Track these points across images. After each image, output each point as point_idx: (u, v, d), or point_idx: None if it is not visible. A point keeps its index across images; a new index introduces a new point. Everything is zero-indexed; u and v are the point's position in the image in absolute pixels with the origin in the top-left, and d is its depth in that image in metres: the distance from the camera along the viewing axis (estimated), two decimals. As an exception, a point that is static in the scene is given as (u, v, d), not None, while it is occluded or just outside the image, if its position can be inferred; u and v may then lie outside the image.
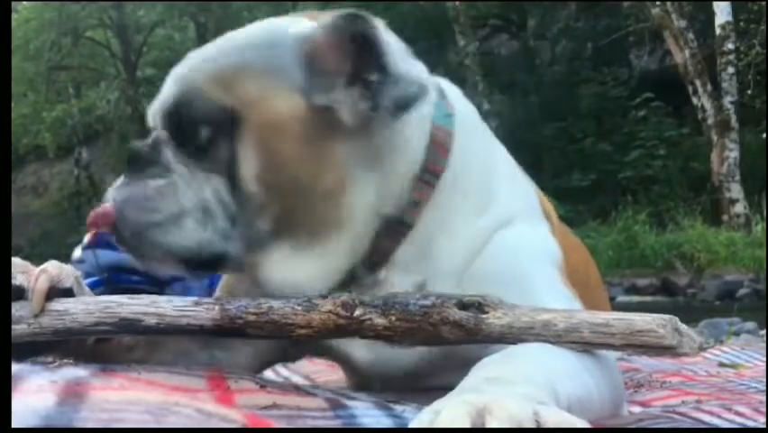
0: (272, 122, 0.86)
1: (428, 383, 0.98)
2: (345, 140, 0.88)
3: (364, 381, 1.06)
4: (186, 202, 0.87)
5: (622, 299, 7.97)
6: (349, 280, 0.93)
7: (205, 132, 0.87)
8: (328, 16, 0.90)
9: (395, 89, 0.84)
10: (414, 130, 0.93)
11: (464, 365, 0.75)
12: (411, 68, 0.86)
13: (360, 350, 0.97)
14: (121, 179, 0.91)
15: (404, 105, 0.85)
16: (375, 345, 0.91)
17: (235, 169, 0.86)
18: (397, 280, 0.94)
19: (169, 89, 0.91)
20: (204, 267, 0.91)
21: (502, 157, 1.05)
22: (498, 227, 0.97)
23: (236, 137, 0.85)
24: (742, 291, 8.13)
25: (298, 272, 0.90)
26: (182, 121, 0.88)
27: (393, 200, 0.92)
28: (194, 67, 0.91)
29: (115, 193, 0.89)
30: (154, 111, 0.93)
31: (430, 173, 0.94)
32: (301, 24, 0.91)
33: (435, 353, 0.92)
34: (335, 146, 0.88)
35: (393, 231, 0.93)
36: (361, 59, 0.85)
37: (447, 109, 0.98)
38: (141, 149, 0.91)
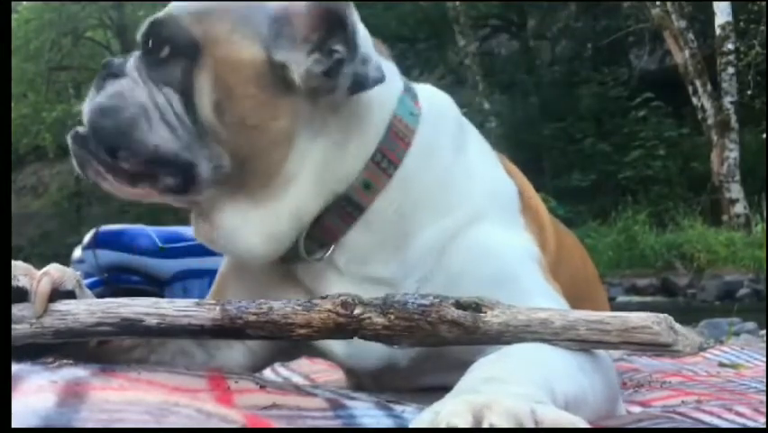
0: (233, 60, 0.93)
1: (420, 382, 0.99)
2: (296, 99, 0.93)
3: (359, 380, 1.07)
4: (142, 98, 0.94)
5: (622, 299, 7.98)
6: (295, 254, 0.96)
7: (168, 52, 0.94)
8: None
9: (356, 66, 0.90)
10: (371, 115, 0.97)
11: (454, 365, 0.75)
12: (375, 55, 0.93)
13: (335, 345, 0.99)
14: (90, 92, 0.98)
15: (360, 83, 0.91)
16: (351, 340, 0.92)
17: (190, 94, 0.93)
18: (354, 268, 0.97)
19: (157, 14, 0.99)
20: (175, 176, 0.94)
21: (475, 157, 1.06)
22: (464, 226, 0.98)
23: (195, 65, 0.93)
24: (742, 291, 8.14)
25: (247, 225, 0.94)
26: (153, 39, 0.96)
27: (342, 176, 0.95)
28: (184, 3, 0.99)
29: (87, 102, 0.97)
30: (138, 33, 1.00)
31: (387, 159, 0.96)
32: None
33: (415, 350, 0.93)
34: (285, 101, 0.93)
35: (341, 210, 0.95)
36: (330, 31, 0.93)
37: (414, 108, 1.01)
38: (110, 61, 1.01)
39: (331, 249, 0.97)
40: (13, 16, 16.41)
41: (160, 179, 0.94)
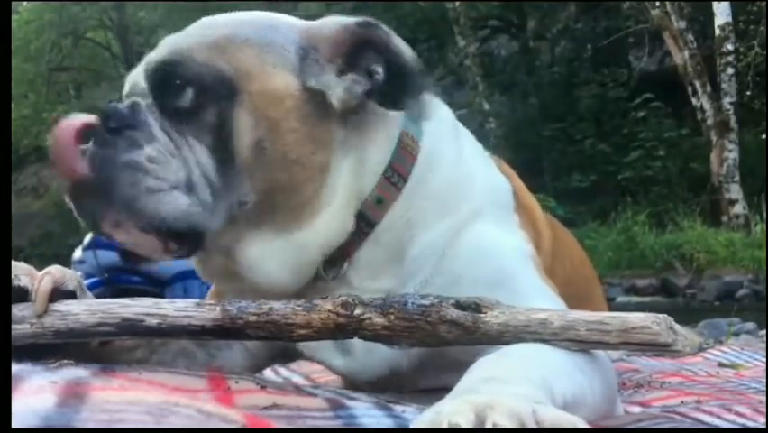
0: (271, 93, 0.88)
1: (419, 384, 0.99)
2: (331, 127, 0.91)
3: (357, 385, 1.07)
4: (172, 173, 0.85)
5: (621, 299, 7.98)
6: (314, 277, 0.94)
7: (193, 94, 0.87)
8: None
9: (405, 78, 0.89)
10: (385, 129, 0.96)
11: (453, 366, 0.76)
12: (416, 64, 0.90)
13: (333, 358, 0.98)
14: (94, 136, 0.87)
15: (413, 92, 0.89)
16: (351, 353, 0.92)
17: (226, 136, 0.86)
18: (366, 284, 0.95)
19: (158, 53, 0.91)
20: (182, 242, 0.90)
21: (471, 159, 1.06)
22: (463, 226, 0.97)
23: (231, 104, 0.86)
24: (741, 292, 8.14)
25: (273, 257, 0.91)
26: (170, 82, 0.88)
27: (360, 194, 0.94)
28: (187, 33, 0.92)
29: (93, 151, 0.85)
30: (135, 75, 0.92)
31: (397, 174, 0.96)
32: (297, 19, 0.97)
33: (413, 356, 0.93)
34: (324, 130, 0.90)
35: (356, 228, 0.94)
36: (362, 49, 0.90)
37: (416, 118, 1.00)
38: (119, 108, 0.89)
39: (345, 267, 0.95)
40: (14, 17, 16.41)
41: (168, 243, 0.89)
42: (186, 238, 0.89)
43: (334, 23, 0.93)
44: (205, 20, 0.95)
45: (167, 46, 0.91)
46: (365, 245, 0.95)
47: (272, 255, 0.91)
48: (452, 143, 1.04)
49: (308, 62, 0.90)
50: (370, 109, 0.93)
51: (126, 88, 0.95)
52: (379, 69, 0.89)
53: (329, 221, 0.92)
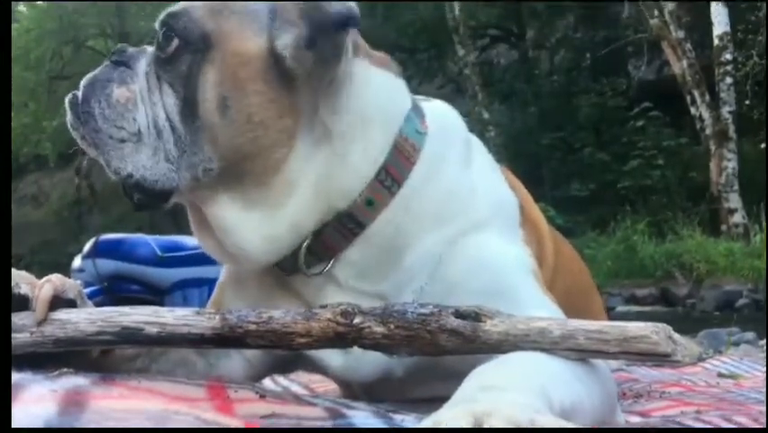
0: (242, 54, 0.92)
1: (415, 393, 0.99)
2: (299, 98, 0.93)
3: (353, 392, 1.07)
4: (141, 120, 0.93)
5: (621, 308, 7.96)
6: (293, 265, 0.96)
7: (176, 44, 0.93)
8: None
9: (336, 38, 0.91)
10: (375, 131, 0.97)
11: (449, 375, 0.76)
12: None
13: (332, 356, 0.98)
14: (98, 69, 0.99)
15: (337, 25, 0.90)
16: (349, 351, 0.92)
17: (193, 88, 0.92)
18: (353, 282, 0.97)
19: (174, 6, 0.97)
20: (148, 195, 0.94)
21: (479, 172, 1.06)
22: (462, 235, 0.98)
23: (203, 58, 0.92)
24: (741, 302, 8.12)
25: (244, 225, 0.94)
26: (163, 31, 0.94)
27: (344, 192, 0.95)
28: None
29: (88, 78, 0.97)
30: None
31: (391, 177, 0.96)
32: None
33: (409, 361, 0.93)
34: (289, 98, 0.93)
35: (343, 226, 0.95)
36: (312, 14, 0.91)
37: (420, 127, 1.01)
38: (126, 47, 1.01)
39: (330, 264, 0.96)
40: (14, 25, 16.47)
41: (134, 196, 0.94)
42: (152, 192, 0.93)
43: None
44: None
45: (183, 3, 0.97)
46: (355, 245, 0.96)
47: (242, 222, 0.94)
48: (459, 153, 1.04)
49: (275, 25, 0.93)
50: (346, 92, 0.95)
51: None
52: (320, 23, 0.90)
53: (296, 201, 0.93)
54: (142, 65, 0.96)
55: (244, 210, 0.94)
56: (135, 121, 0.93)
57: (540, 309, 0.91)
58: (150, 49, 0.98)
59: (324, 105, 0.94)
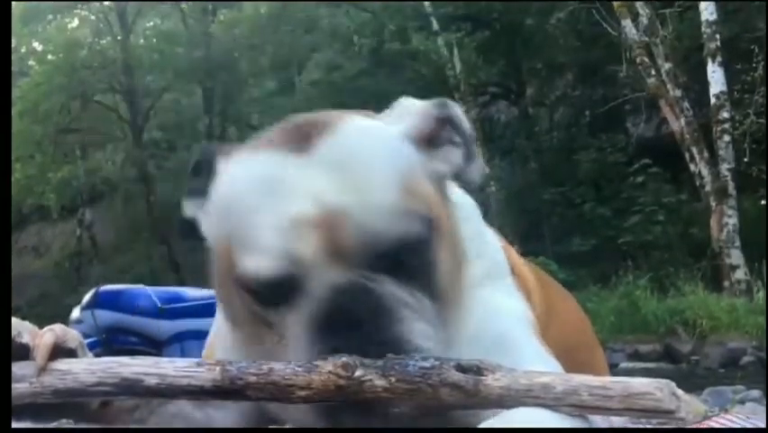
0: (445, 215, 0.87)
1: None
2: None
3: None
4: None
5: (625, 365, 7.85)
6: None
7: (411, 247, 0.81)
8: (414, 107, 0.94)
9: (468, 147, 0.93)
10: None
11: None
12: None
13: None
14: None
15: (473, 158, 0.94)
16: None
17: (432, 272, 0.83)
18: None
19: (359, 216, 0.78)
20: None
21: (470, 221, 1.06)
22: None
23: (433, 241, 0.83)
24: (746, 359, 8.01)
25: None
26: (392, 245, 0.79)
27: None
28: (366, 184, 0.80)
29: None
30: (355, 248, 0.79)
31: None
32: (388, 121, 0.92)
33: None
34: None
35: None
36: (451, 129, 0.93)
37: None
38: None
39: None
40: (24, 80, 16.82)
41: None
42: None
43: (422, 112, 0.92)
44: (341, 168, 0.81)
45: (362, 206, 0.79)
46: None
47: None
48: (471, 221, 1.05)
49: (426, 154, 0.90)
50: None
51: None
52: (458, 140, 0.92)
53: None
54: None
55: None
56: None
57: (541, 364, 0.90)
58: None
59: None
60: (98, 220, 19.52)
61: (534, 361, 0.90)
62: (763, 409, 3.03)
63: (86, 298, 3.50)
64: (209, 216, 0.88)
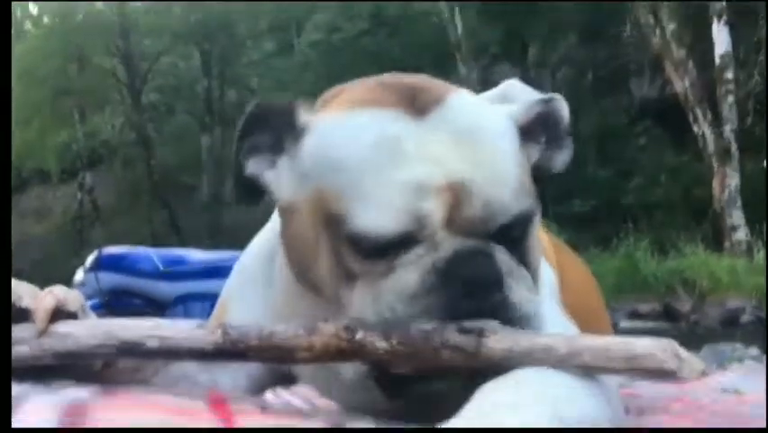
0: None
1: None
2: None
3: None
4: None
5: (624, 324, 7.93)
6: None
7: (524, 222, 0.85)
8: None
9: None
10: None
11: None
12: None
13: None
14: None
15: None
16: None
17: (533, 246, 0.88)
18: None
19: (489, 197, 0.80)
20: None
21: None
22: None
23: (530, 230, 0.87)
24: (745, 318, 8.09)
25: None
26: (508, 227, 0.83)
27: None
28: (489, 158, 0.82)
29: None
30: (482, 218, 0.81)
31: None
32: (494, 101, 0.97)
33: None
34: None
35: None
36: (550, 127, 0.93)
37: None
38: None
39: None
40: (20, 45, 16.61)
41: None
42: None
43: (521, 94, 0.97)
44: (471, 145, 0.82)
45: (489, 197, 0.81)
46: None
47: None
48: None
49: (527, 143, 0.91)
50: None
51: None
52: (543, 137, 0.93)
53: None
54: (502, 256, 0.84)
55: None
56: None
57: (560, 328, 0.90)
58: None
59: None
60: (99, 184, 19.51)
61: (555, 325, 0.90)
62: (762, 366, 3.06)
63: (89, 260, 3.51)
64: (292, 172, 0.85)
